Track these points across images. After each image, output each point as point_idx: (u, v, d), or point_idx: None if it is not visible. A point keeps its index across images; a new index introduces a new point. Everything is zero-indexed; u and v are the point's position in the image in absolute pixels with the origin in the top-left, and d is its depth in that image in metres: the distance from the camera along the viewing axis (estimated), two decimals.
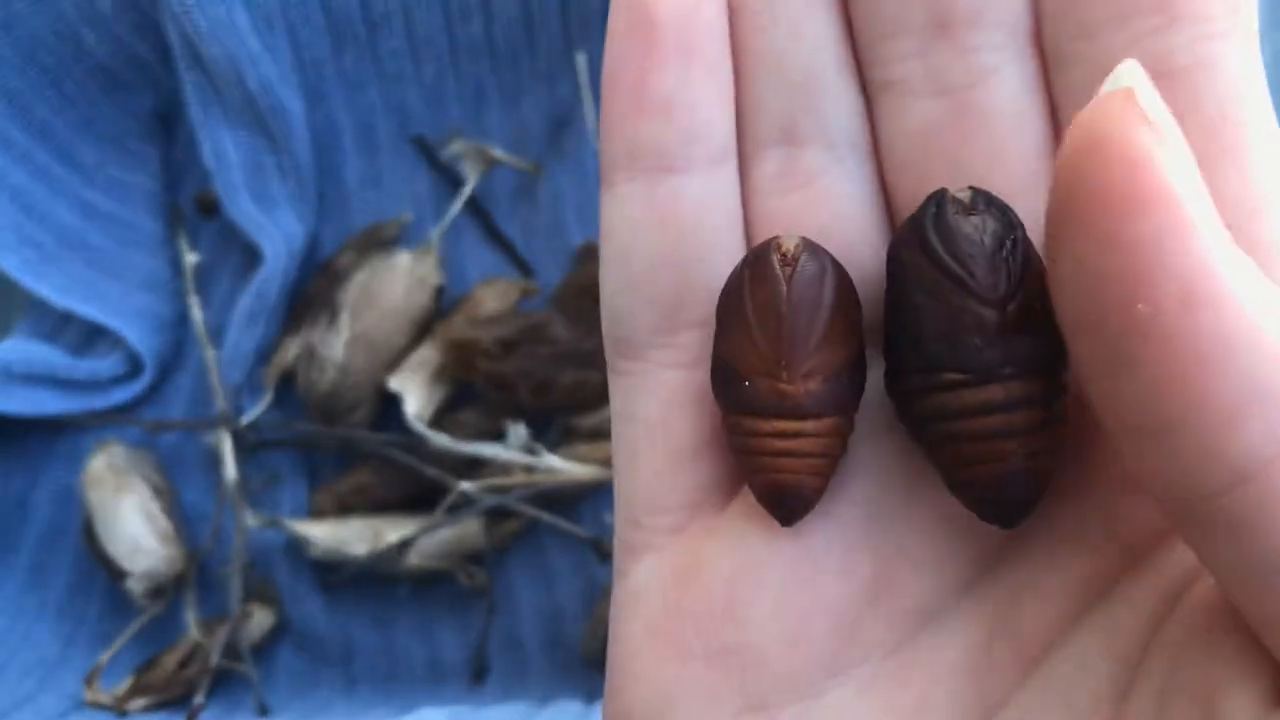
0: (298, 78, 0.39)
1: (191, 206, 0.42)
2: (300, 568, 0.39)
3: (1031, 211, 0.16)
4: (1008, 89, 0.16)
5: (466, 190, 0.40)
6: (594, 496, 0.39)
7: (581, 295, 0.38)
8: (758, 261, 0.16)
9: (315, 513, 0.39)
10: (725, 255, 0.17)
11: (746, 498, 0.17)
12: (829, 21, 0.17)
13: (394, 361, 0.39)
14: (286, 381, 0.40)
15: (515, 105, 0.41)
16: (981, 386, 0.15)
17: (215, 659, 0.36)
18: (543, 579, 0.39)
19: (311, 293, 0.40)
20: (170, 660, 0.37)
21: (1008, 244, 0.15)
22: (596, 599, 0.38)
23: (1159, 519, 0.15)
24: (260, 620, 0.38)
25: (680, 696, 0.17)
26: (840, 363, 0.16)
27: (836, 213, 0.17)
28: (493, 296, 0.39)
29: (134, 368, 0.40)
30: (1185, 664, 0.14)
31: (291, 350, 0.39)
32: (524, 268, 0.41)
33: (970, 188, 0.15)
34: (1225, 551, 0.12)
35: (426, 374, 0.39)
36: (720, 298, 0.16)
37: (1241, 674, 0.13)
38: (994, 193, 0.15)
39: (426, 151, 0.41)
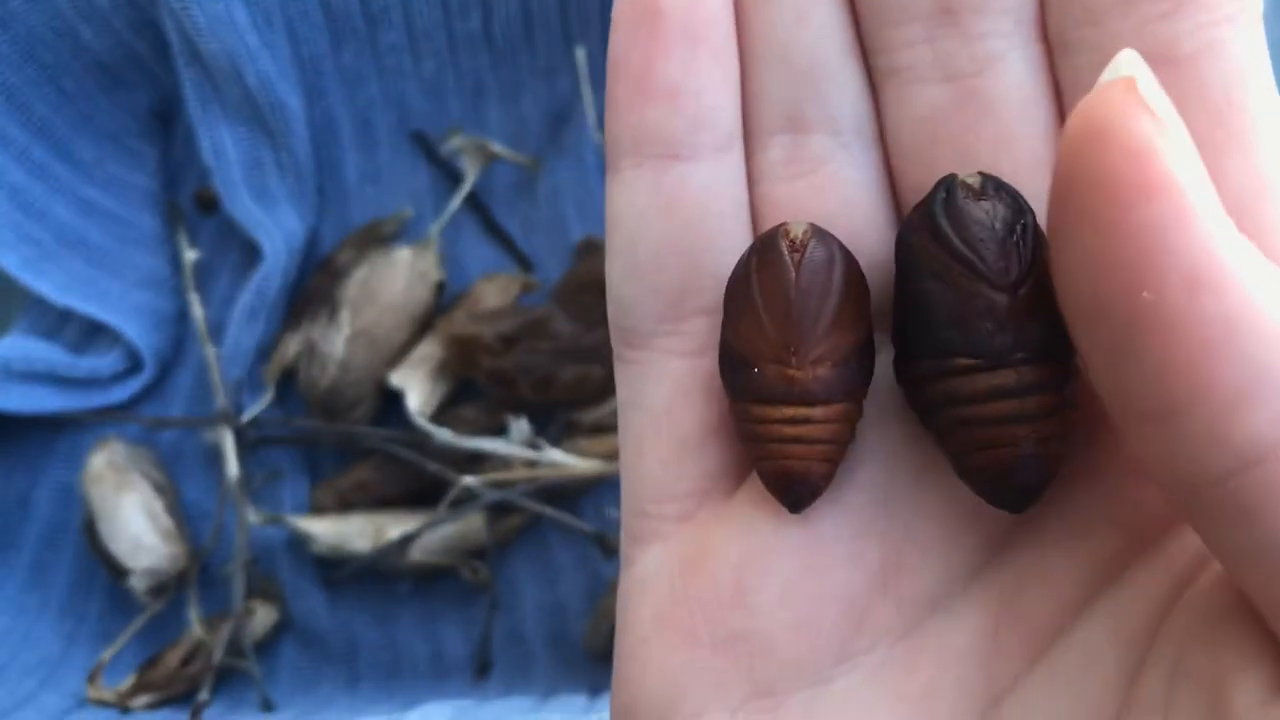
0: (296, 73, 0.39)
1: (191, 203, 0.42)
2: (302, 564, 0.39)
3: (1038, 197, 0.16)
4: (1014, 75, 0.16)
5: (466, 185, 0.40)
6: (596, 491, 0.39)
7: (582, 290, 0.38)
8: (766, 248, 0.16)
9: (317, 509, 0.39)
10: (732, 242, 0.17)
11: (754, 485, 0.17)
12: (834, 8, 0.17)
13: (395, 357, 0.39)
14: (287, 378, 0.40)
15: (515, 100, 0.41)
16: (993, 371, 0.15)
17: (218, 656, 0.36)
18: (545, 574, 0.39)
19: (311, 289, 0.40)
20: (173, 657, 0.37)
21: (1018, 229, 0.15)
22: (600, 593, 0.38)
23: (1167, 505, 0.15)
24: (263, 617, 0.38)
25: (688, 684, 0.17)
26: (849, 348, 0.16)
27: (843, 199, 0.17)
28: (493, 292, 0.39)
29: (134, 365, 0.40)
30: (1193, 650, 0.14)
31: (292, 347, 0.39)
32: (524, 263, 0.41)
33: (980, 173, 0.15)
34: (1232, 537, 0.12)
35: (428, 370, 0.39)
36: (728, 285, 0.16)
37: (1249, 660, 0.13)
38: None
39: (426, 147, 0.41)
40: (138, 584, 0.37)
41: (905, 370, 0.16)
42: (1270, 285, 0.12)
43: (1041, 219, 0.15)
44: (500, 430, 0.38)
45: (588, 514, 0.38)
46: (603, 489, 0.38)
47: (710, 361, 0.17)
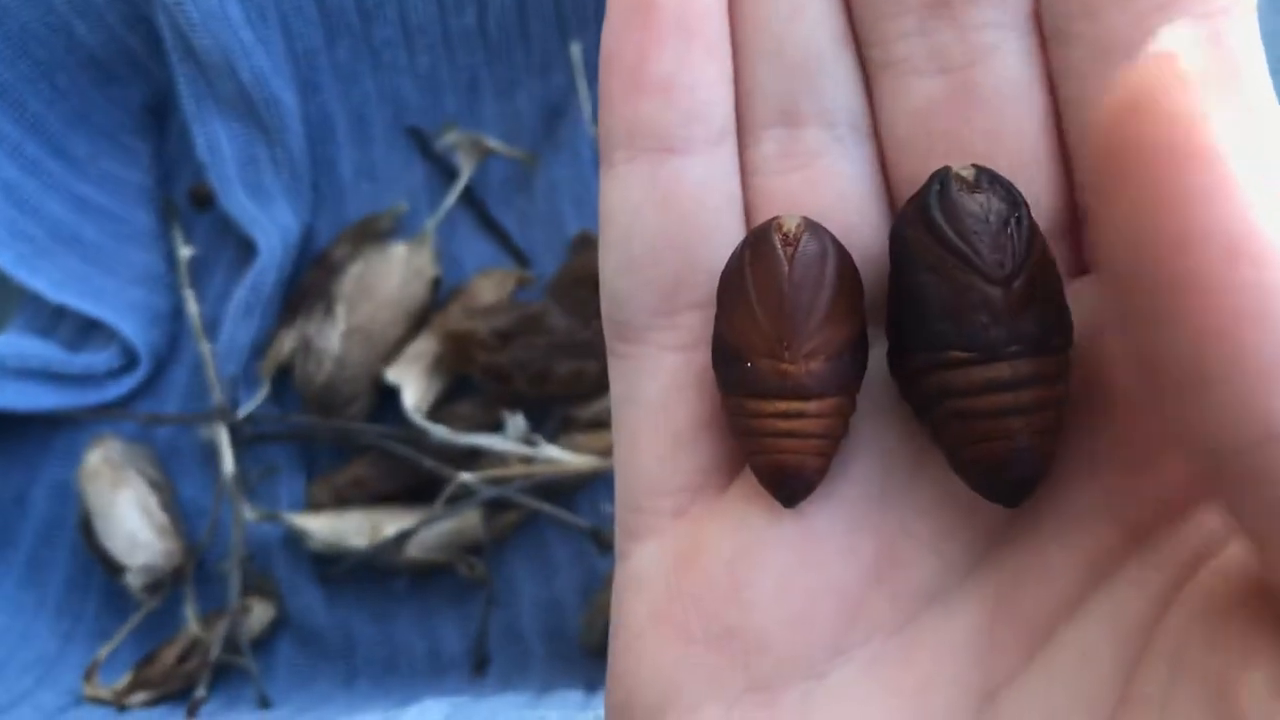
0: (291, 69, 0.39)
1: (185, 200, 0.42)
2: (299, 561, 0.39)
3: (1032, 190, 0.16)
4: (1008, 67, 0.16)
5: (462, 181, 0.40)
6: (592, 486, 0.39)
7: (578, 285, 0.38)
8: (759, 242, 0.16)
9: (313, 506, 0.39)
10: (725, 236, 0.17)
11: (748, 479, 0.17)
12: (828, 1, 0.17)
13: (390, 353, 0.39)
14: (283, 374, 0.40)
15: (510, 95, 0.41)
16: (988, 364, 0.15)
17: (215, 653, 0.36)
18: (542, 570, 0.39)
19: (307, 285, 0.40)
20: (169, 654, 0.37)
21: (1012, 222, 0.15)
22: (596, 589, 0.38)
23: (1165, 500, 0.15)
24: (259, 614, 0.38)
25: (683, 679, 0.17)
26: (842, 342, 0.16)
27: (837, 192, 0.17)
28: (489, 287, 0.39)
29: (129, 362, 0.40)
30: (1194, 646, 0.14)
31: (287, 343, 0.39)
32: (520, 258, 0.41)
33: (974, 165, 0.15)
34: (1261, 507, 0.12)
35: (424, 365, 0.39)
36: (721, 278, 0.16)
37: (1255, 656, 0.13)
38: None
39: (421, 142, 0.41)
40: (134, 581, 0.37)
41: (899, 364, 0.16)
42: None
43: (1036, 212, 0.15)
44: (496, 426, 0.38)
45: (584, 509, 0.38)
46: (599, 484, 0.38)
47: (704, 356, 0.17)
